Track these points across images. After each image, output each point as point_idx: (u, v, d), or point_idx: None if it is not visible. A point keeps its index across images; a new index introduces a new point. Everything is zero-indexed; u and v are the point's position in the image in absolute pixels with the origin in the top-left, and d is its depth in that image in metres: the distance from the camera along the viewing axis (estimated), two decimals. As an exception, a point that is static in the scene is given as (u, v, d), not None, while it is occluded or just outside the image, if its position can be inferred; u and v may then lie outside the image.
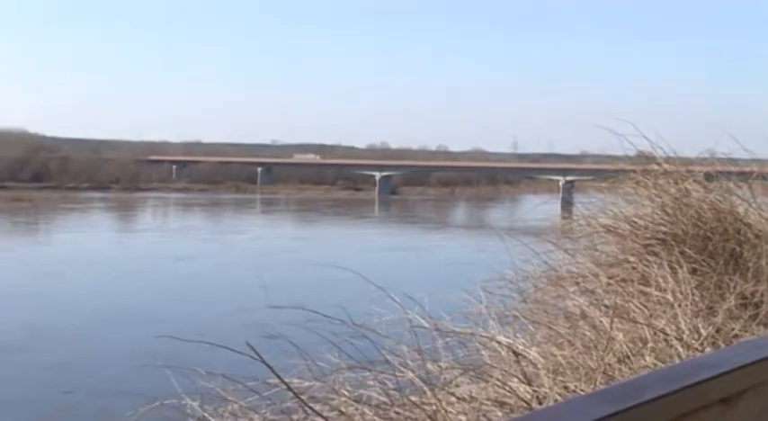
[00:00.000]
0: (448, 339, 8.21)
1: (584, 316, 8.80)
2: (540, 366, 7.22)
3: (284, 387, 6.77)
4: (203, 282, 36.32)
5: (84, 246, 55.69)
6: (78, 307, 30.26)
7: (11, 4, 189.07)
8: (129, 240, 62.05)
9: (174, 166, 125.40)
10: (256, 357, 6.57)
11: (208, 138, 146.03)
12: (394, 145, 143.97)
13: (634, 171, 11.67)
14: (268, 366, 6.60)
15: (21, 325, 26.29)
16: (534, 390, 6.78)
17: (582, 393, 6.42)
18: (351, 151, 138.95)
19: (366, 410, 6.85)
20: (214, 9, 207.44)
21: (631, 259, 10.10)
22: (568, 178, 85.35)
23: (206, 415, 7.19)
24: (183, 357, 7.81)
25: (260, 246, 50.14)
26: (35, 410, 16.04)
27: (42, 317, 27.67)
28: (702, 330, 7.97)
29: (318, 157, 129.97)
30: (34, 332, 25.19)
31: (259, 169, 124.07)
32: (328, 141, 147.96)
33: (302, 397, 6.76)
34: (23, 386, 19.21)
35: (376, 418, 6.70)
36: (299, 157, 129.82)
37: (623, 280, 9.73)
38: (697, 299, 8.60)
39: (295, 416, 6.92)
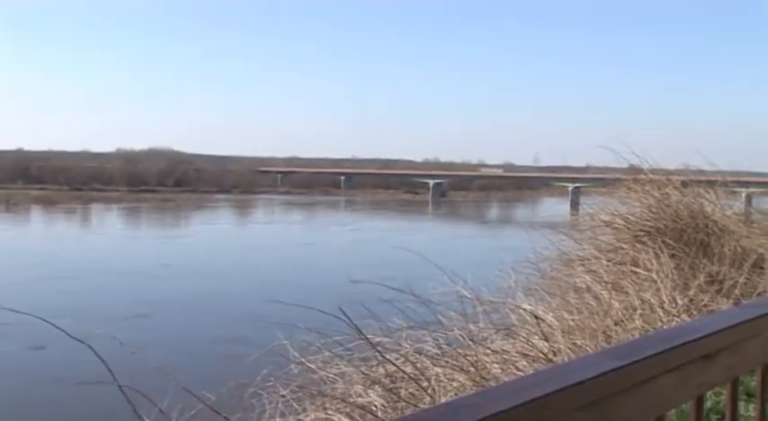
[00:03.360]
0: (485, 306, 8.20)
1: (588, 289, 8.75)
2: (555, 327, 7.19)
3: (363, 340, 6.81)
4: (315, 261, 36.31)
5: (223, 234, 56.00)
6: (228, 278, 30.38)
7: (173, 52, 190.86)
8: (255, 230, 61.93)
9: (279, 175, 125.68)
10: (344, 319, 6.63)
11: (304, 153, 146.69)
12: (443, 158, 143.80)
13: (626, 179, 11.63)
14: (353, 325, 6.65)
15: (195, 291, 26.67)
16: (551, 346, 6.76)
17: (588, 349, 6.39)
18: (410, 163, 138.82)
19: (424, 359, 6.86)
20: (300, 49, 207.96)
21: (625, 246, 10.03)
22: (576, 185, 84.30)
23: (304, 360, 7.22)
24: (291, 316, 7.84)
25: (358, 235, 49.99)
26: (194, 353, 16.17)
27: (207, 285, 28.07)
28: (679, 301, 7.90)
29: (501, 171, 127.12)
30: (204, 296, 25.42)
31: (342, 177, 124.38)
32: (393, 156, 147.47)
33: (377, 348, 6.79)
34: (191, 336, 19.43)
35: (431, 365, 6.70)
36: (485, 171, 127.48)
37: (618, 262, 9.67)
38: (675, 277, 8.53)
39: (370, 363, 6.95)
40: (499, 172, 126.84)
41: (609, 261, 9.83)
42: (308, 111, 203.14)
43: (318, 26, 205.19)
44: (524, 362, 6.50)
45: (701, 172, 12.24)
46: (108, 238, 51.49)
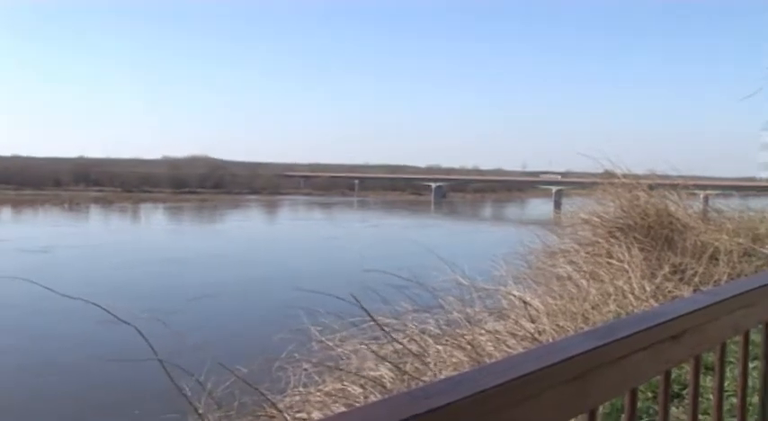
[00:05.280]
0: (480, 293, 8.20)
1: (569, 278, 8.75)
2: (540, 311, 7.18)
3: (374, 322, 6.81)
4: (340, 253, 36.24)
5: (257, 230, 56.05)
6: (264, 267, 30.34)
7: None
8: (285, 226, 61.48)
9: (302, 179, 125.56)
10: (358, 304, 6.63)
11: (323, 160, 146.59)
12: (444, 164, 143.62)
13: (602, 183, 11.65)
14: (364, 310, 6.65)
15: (236, 278, 26.88)
16: (537, 327, 6.75)
17: (569, 329, 6.37)
18: (415, 168, 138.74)
19: (427, 338, 6.85)
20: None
21: (600, 241, 10.02)
22: (559, 187, 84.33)
23: (323, 339, 7.23)
24: (314, 301, 7.84)
25: (377, 231, 49.79)
26: (231, 332, 16.17)
27: (247, 273, 28.35)
28: (647, 288, 7.88)
29: (560, 177, 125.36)
30: (244, 283, 25.40)
31: (356, 181, 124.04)
32: (400, 162, 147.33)
33: (385, 329, 6.79)
34: (230, 318, 19.37)
35: (433, 343, 6.70)
36: (545, 177, 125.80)
37: (595, 254, 9.66)
38: (644, 267, 8.52)
39: (381, 341, 6.94)
40: (558, 177, 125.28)
41: (587, 253, 9.84)
42: (327, 123, 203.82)
43: (331, 46, 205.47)
44: (514, 341, 6.49)
45: (666, 176, 12.33)
46: (159, 233, 51.79)
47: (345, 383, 6.47)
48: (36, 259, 31.49)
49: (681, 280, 8.50)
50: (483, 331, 6.87)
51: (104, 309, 6.02)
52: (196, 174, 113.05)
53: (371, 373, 6.47)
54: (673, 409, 2.24)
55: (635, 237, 9.47)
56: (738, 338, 2.00)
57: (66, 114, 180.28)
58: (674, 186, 11.39)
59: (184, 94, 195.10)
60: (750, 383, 2.08)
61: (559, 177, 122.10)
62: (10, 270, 16.67)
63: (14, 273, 9.84)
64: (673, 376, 1.63)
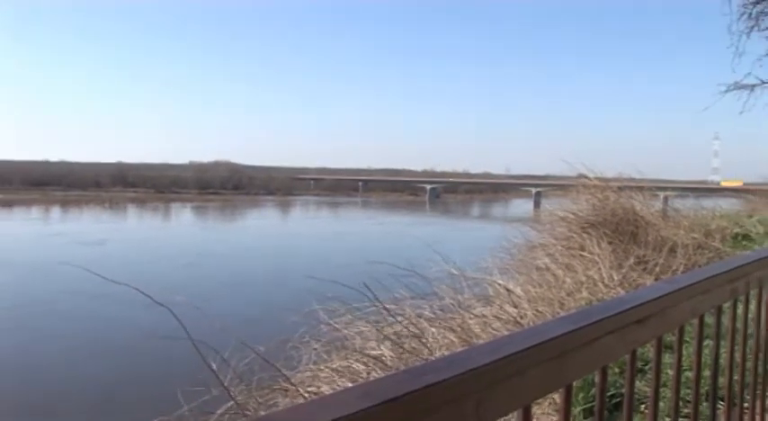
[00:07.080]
0: (469, 281, 8.20)
1: (547, 268, 8.75)
2: (522, 297, 7.18)
3: (377, 306, 6.82)
4: (348, 245, 36.12)
5: (273, 225, 55.99)
6: (285, 259, 30.35)
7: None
8: (297, 222, 61.19)
9: (312, 181, 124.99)
10: (367, 291, 6.64)
11: (331, 164, 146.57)
12: (438, 168, 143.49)
13: (576, 185, 11.67)
14: (374, 296, 6.65)
15: (259, 269, 27.08)
16: (519, 311, 6.75)
17: (547, 314, 6.38)
18: (412, 172, 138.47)
19: (423, 321, 6.85)
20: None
21: (574, 236, 10.02)
22: (538, 189, 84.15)
23: (331, 322, 7.22)
24: (324, 288, 7.81)
25: (383, 228, 49.62)
26: (251, 317, 16.09)
27: (269, 264, 28.63)
28: (615, 277, 7.90)
29: (596, 181, 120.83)
30: (265, 273, 25.49)
31: (360, 183, 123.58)
32: (398, 166, 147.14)
33: (390, 313, 6.79)
34: (252, 304, 19.22)
35: (428, 326, 6.70)
36: (575, 181, 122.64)
37: (570, 247, 9.67)
38: (612, 259, 8.53)
39: (382, 324, 6.94)
40: (593, 182, 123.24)
41: (563, 247, 9.84)
42: (332, 131, 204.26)
43: (333, 58, 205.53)
44: (498, 324, 6.49)
45: (632, 179, 12.38)
46: (191, 229, 51.80)
47: (350, 361, 6.47)
48: (94, 251, 32.34)
49: (644, 270, 8.52)
50: (472, 315, 6.87)
51: (153, 299, 6.04)
52: (219, 177, 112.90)
53: (374, 352, 6.47)
54: (637, 383, 2.27)
55: (605, 233, 9.49)
56: (695, 321, 2.02)
57: (105, 123, 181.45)
58: (639, 188, 11.44)
59: (205, 107, 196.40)
60: (703, 360, 2.11)
61: (594, 181, 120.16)
62: (77, 259, 16.61)
63: (80, 263, 9.92)
64: (637, 354, 1.65)
